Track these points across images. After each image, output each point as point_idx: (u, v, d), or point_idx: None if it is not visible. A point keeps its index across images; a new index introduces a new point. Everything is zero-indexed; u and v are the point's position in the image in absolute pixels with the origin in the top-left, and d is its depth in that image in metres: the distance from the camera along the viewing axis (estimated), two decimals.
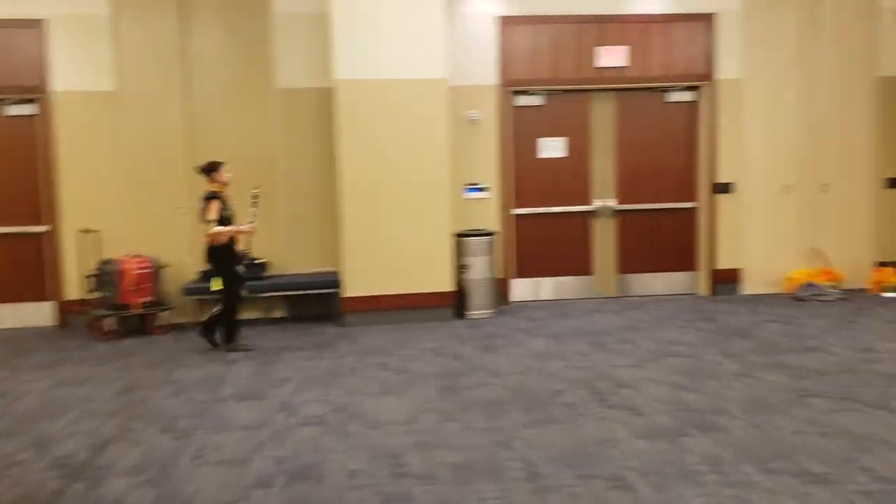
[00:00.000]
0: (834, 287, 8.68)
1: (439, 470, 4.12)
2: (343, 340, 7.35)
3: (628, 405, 5.16)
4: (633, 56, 8.78)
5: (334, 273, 8.15)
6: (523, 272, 8.99)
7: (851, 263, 9.03)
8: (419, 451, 4.41)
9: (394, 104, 7.73)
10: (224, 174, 6.92)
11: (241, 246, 7.01)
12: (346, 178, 7.77)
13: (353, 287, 7.84)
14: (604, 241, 9.10)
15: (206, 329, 7.13)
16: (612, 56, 8.76)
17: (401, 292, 7.87)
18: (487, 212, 8.70)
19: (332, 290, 8.08)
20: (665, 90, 9.02)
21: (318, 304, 8.39)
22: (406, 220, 7.83)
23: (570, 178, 9.01)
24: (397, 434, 4.71)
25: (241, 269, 7.02)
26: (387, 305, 7.86)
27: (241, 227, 6.94)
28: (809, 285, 8.66)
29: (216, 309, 7.14)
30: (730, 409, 5.04)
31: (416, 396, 5.51)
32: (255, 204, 7.07)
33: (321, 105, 8.13)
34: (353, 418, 5.05)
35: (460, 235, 8.16)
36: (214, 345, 7.10)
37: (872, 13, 8.97)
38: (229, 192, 6.97)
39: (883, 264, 8.99)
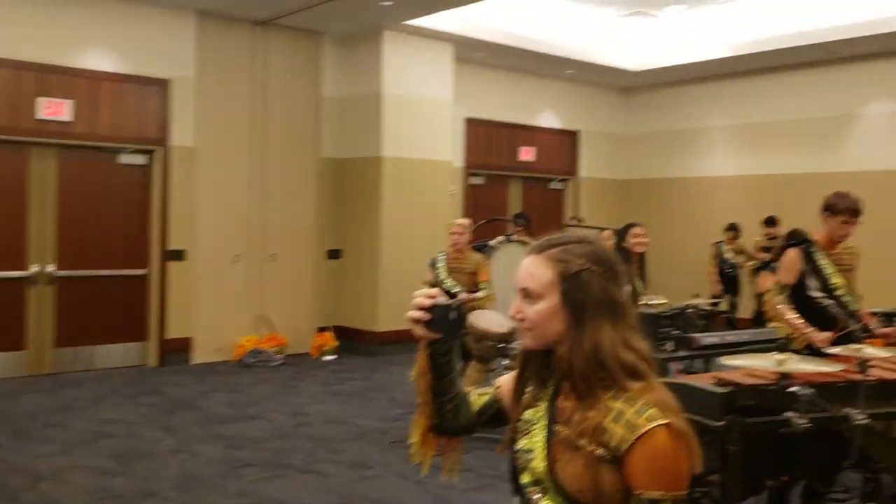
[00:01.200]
0: (279, 352, 9.09)
1: None
2: None
3: (46, 501, 4.57)
4: (80, 112, 8.21)
5: None
6: None
7: (295, 329, 9.57)
8: None
9: None
10: None
11: None
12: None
13: None
14: (40, 311, 8.19)
15: None
16: (54, 109, 8.06)
17: None
18: None
19: None
20: (116, 151, 8.61)
21: None
22: None
23: (1, 239, 7.97)
24: None
25: None
26: None
27: None
28: (256, 351, 8.93)
29: None
30: (161, 490, 4.80)
31: None
32: None
33: None
34: None
35: None
36: None
37: (316, 99, 9.81)
38: None
39: (323, 329, 9.72)
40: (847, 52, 10.33)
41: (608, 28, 11.08)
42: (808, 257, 4.42)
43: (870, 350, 3.50)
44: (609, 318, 1.55)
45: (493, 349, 5.37)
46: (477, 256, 6.49)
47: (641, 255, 6.14)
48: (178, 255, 8.82)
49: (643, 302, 5.87)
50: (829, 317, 4.40)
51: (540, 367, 1.67)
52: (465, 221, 6.59)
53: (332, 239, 10.01)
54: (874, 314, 5.98)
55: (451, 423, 1.78)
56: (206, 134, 8.97)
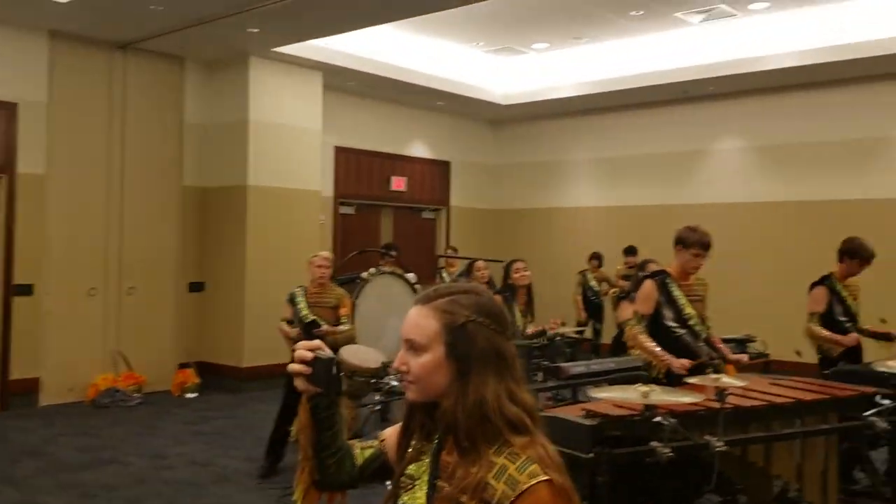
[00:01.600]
0: (137, 391, 8.62)
1: None
2: None
3: None
4: None
5: None
6: None
7: (154, 366, 9.10)
8: None
9: None
10: None
11: None
12: None
13: None
14: None
15: None
16: None
17: None
18: None
19: None
20: None
21: None
22: None
23: None
24: None
25: None
26: None
27: None
28: (112, 391, 8.43)
29: None
30: None
31: None
32: None
33: None
34: None
35: None
36: None
37: (178, 126, 9.46)
38: None
39: (184, 365, 9.30)
40: (696, 92, 10.96)
41: (477, 61, 11.31)
42: (664, 288, 4.59)
43: (726, 379, 3.65)
44: (494, 370, 1.53)
45: (365, 385, 5.28)
46: (339, 290, 6.35)
47: (528, 288, 6.30)
48: (25, 290, 8.23)
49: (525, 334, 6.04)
50: (683, 346, 4.57)
51: (424, 420, 1.62)
52: (329, 254, 6.43)
53: (195, 271, 9.64)
54: (725, 341, 6.32)
55: (333, 478, 1.71)
56: (57, 160, 8.46)
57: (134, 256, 9.04)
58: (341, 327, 6.07)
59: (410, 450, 1.64)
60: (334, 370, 1.60)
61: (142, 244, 9.10)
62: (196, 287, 9.64)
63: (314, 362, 1.61)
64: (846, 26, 9.04)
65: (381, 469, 1.75)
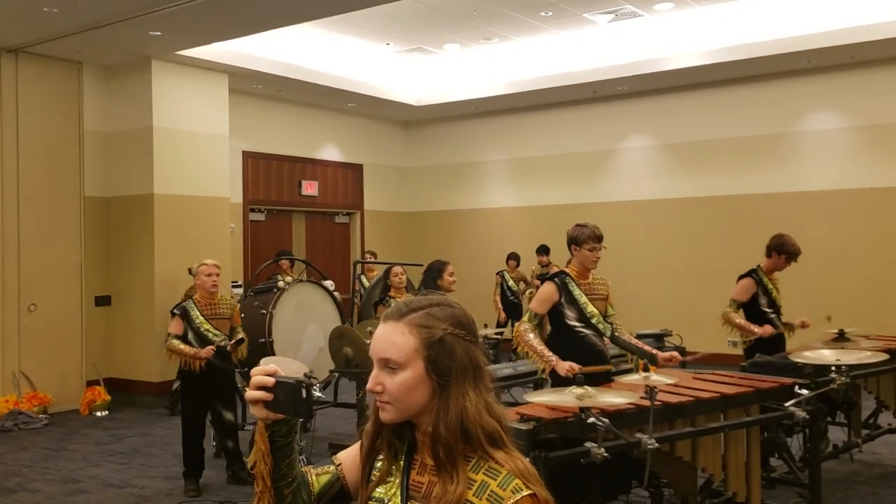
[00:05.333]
0: (42, 412, 8.19)
1: None
2: None
3: None
4: None
5: None
6: None
7: (60, 385, 8.67)
8: None
9: None
10: None
11: None
12: None
13: None
14: None
15: None
16: None
17: None
18: None
19: None
20: None
21: None
22: None
23: None
24: None
25: None
26: None
27: None
28: (14, 413, 7.98)
29: None
30: None
31: None
32: None
33: None
34: None
35: None
36: None
37: (77, 133, 9.04)
38: None
39: (93, 383, 8.90)
40: (605, 92, 11.16)
41: (388, 62, 11.22)
42: (564, 289, 4.59)
43: (655, 377, 3.68)
44: (472, 382, 1.50)
45: None
46: (228, 298, 6.14)
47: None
48: None
49: None
50: (589, 345, 4.56)
51: (391, 440, 1.57)
52: (215, 261, 6.02)
53: (101, 284, 9.22)
54: (642, 336, 6.46)
55: None
56: None
57: (33, 272, 8.58)
58: (240, 335, 5.88)
59: (377, 472, 1.59)
60: (304, 394, 1.49)
61: (41, 259, 8.65)
62: (102, 301, 9.24)
63: (276, 388, 1.50)
64: (748, 26, 9.36)
65: (338, 495, 1.68)
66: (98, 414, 8.60)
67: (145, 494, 5.76)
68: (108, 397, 8.78)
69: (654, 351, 4.57)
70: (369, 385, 1.52)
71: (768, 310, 5.77)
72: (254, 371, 1.53)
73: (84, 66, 9.10)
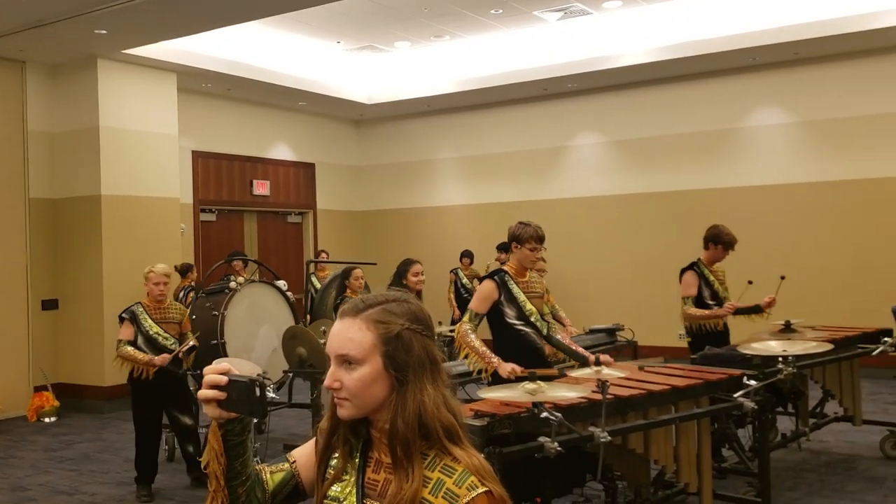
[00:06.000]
0: None
1: None
2: None
3: None
4: None
5: None
6: None
7: (7, 391, 8.47)
8: None
9: None
10: None
11: None
12: None
13: None
14: None
15: None
16: None
17: None
18: None
19: None
20: None
21: None
22: None
23: None
24: None
25: None
26: None
27: None
28: None
29: None
30: None
31: None
32: None
33: None
34: None
35: None
36: None
37: (21, 134, 8.83)
38: None
39: (40, 388, 8.70)
40: (556, 90, 11.25)
41: (339, 61, 11.16)
42: (504, 286, 4.58)
43: (607, 371, 3.73)
44: (430, 377, 1.51)
45: None
46: (179, 305, 6.06)
47: (419, 293, 6.13)
48: None
49: None
50: (528, 343, 4.56)
51: (347, 437, 1.57)
52: (166, 268, 5.90)
53: (47, 287, 9.02)
54: (595, 331, 6.51)
55: None
56: None
57: None
58: (190, 343, 5.80)
59: (332, 469, 1.59)
60: (258, 392, 1.48)
61: None
62: (49, 304, 9.04)
63: (229, 386, 1.49)
64: (694, 23, 9.51)
65: (293, 493, 1.67)
66: (46, 420, 8.43)
67: (96, 501, 5.66)
68: (56, 403, 8.61)
69: (588, 354, 4.52)
70: (327, 382, 1.52)
71: (711, 302, 5.86)
72: (207, 370, 1.52)
73: (27, 65, 8.88)
